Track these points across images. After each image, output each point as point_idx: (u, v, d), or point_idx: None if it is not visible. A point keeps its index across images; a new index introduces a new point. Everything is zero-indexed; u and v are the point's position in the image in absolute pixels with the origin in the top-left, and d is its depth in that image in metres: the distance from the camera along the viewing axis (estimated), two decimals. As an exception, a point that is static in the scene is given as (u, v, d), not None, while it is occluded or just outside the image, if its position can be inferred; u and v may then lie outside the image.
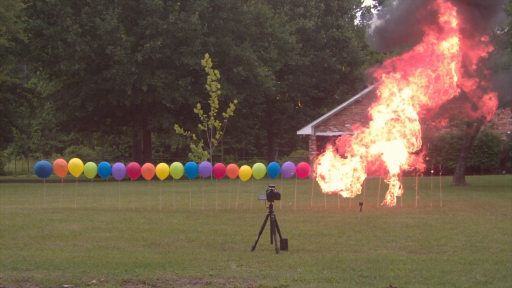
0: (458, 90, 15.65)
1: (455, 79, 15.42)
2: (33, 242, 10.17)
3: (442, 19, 15.41)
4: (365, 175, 15.67)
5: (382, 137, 15.51)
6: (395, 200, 15.72)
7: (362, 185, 15.66)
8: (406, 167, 15.57)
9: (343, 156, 15.51)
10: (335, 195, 15.80)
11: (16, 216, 13.94)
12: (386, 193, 15.89)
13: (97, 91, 36.47)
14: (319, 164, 15.58)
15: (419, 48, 15.75)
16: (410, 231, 11.09)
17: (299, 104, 45.06)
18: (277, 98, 43.43)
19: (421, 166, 15.49)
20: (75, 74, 36.50)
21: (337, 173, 15.43)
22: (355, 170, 15.41)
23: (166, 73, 35.61)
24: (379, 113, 15.65)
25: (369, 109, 15.98)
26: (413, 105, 15.57)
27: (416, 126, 15.51)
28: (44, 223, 12.69)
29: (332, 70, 45.35)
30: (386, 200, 15.77)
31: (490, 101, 16.02)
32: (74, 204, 16.89)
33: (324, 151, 15.64)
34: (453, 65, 15.37)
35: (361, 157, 15.45)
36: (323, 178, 15.47)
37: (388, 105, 15.66)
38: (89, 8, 35.19)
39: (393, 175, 15.66)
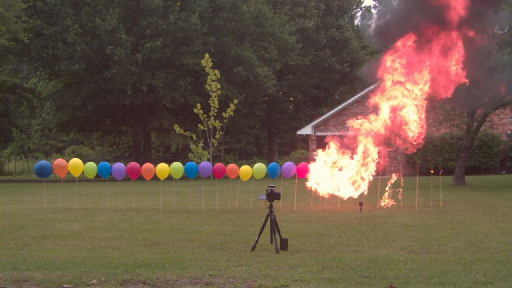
0: (462, 81, 15.48)
1: (456, 71, 15.30)
2: (33, 242, 10.17)
3: (442, 13, 15.30)
4: (370, 173, 15.51)
5: (383, 126, 15.32)
6: (397, 197, 15.64)
7: (367, 184, 15.56)
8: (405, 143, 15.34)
9: (346, 148, 15.35)
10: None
11: (16, 216, 13.94)
12: (387, 188, 15.78)
13: (97, 91, 36.46)
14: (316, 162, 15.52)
15: (420, 40, 15.61)
16: (410, 231, 11.09)
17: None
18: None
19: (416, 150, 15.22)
20: (75, 74, 36.51)
21: (338, 173, 15.36)
22: (363, 165, 15.30)
23: (166, 73, 35.59)
24: (381, 103, 15.41)
25: (371, 99, 15.72)
26: (415, 97, 15.39)
27: (419, 117, 15.32)
28: (44, 223, 12.70)
29: (332, 70, 45.35)
30: (387, 194, 15.65)
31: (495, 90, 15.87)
32: (74, 204, 16.89)
33: (325, 149, 15.55)
34: (454, 57, 15.25)
35: (363, 152, 15.28)
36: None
37: (389, 96, 15.47)
38: (89, 8, 35.16)
39: (395, 175, 15.61)
